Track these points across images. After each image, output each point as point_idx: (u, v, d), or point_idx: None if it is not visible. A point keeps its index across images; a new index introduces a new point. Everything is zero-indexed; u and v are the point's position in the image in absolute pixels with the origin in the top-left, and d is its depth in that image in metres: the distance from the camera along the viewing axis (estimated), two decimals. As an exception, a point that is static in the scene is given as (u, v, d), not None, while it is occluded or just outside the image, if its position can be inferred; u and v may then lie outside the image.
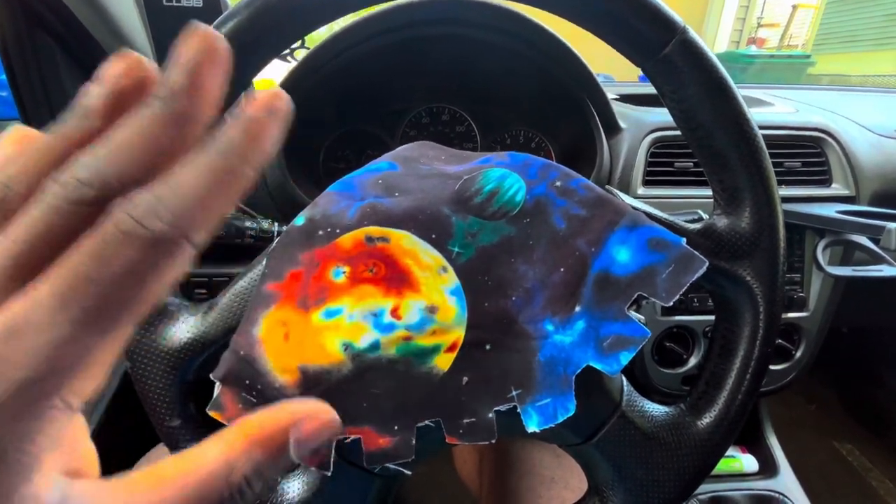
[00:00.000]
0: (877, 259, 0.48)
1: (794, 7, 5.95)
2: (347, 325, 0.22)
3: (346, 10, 0.29)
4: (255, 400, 0.23)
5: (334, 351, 0.22)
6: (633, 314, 0.32)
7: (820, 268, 0.49)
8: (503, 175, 0.26)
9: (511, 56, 0.53)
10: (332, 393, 0.22)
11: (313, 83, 0.50)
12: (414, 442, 0.22)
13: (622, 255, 0.24)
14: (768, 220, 0.29)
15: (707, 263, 0.24)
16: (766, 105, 0.66)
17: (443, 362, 0.23)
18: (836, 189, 0.57)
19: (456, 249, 0.24)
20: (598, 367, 0.22)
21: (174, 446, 0.28)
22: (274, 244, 0.25)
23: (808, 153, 0.58)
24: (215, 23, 0.26)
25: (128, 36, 0.45)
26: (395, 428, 0.22)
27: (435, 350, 0.23)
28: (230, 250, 0.47)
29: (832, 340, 0.61)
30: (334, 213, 0.24)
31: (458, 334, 0.23)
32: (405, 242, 0.24)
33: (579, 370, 0.22)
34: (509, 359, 0.23)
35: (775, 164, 0.56)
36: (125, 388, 0.53)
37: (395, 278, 0.23)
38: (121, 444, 0.49)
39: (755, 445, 0.71)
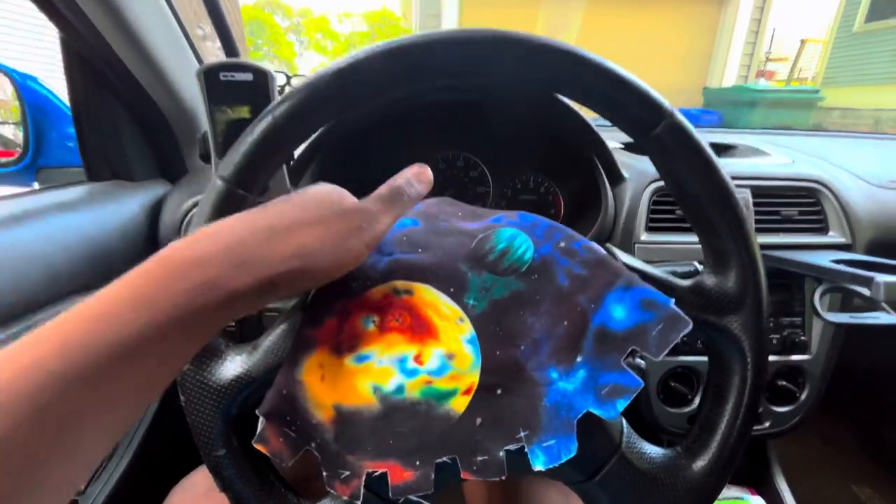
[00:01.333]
0: (873, 306, 0.50)
1: (803, 42, 6.05)
2: (377, 369, 0.25)
3: (380, 95, 0.33)
4: (294, 434, 0.26)
5: (365, 392, 0.25)
6: (637, 360, 0.35)
7: (817, 314, 0.52)
8: (513, 235, 0.29)
9: (521, 112, 0.58)
10: (363, 430, 0.25)
11: (341, 136, 0.56)
12: (433, 476, 0.24)
13: (618, 313, 0.26)
14: (752, 279, 0.32)
15: (691, 324, 0.27)
16: (763, 155, 0.70)
17: (459, 404, 0.25)
18: (833, 237, 0.60)
19: (471, 302, 0.27)
20: (596, 412, 0.25)
21: (218, 474, 0.31)
22: (312, 293, 0.28)
23: (804, 202, 0.61)
24: (274, 102, 0.30)
25: (186, 101, 0.51)
26: (417, 463, 0.24)
27: (452, 393, 0.25)
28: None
29: (846, 380, 0.62)
30: (365, 266, 0.27)
31: (473, 379, 0.25)
32: (427, 295, 0.27)
33: (580, 415, 0.25)
34: (518, 403, 0.25)
35: (772, 213, 0.60)
36: (162, 417, 0.56)
37: (419, 327, 0.26)
38: (159, 467, 0.52)
39: (764, 487, 0.71)
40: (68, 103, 0.54)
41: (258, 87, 0.43)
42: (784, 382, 0.61)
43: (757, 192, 0.60)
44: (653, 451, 0.32)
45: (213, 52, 0.65)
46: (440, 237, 0.30)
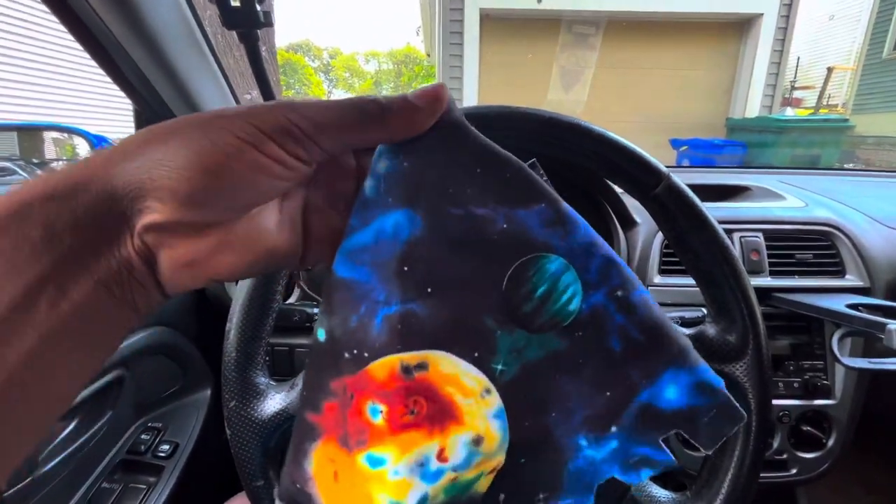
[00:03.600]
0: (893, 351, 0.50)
1: (830, 69, 5.98)
2: (392, 482, 0.20)
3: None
4: None
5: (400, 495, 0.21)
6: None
7: (836, 359, 0.52)
8: (558, 270, 0.22)
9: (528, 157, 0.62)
10: None
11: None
12: None
13: (671, 392, 0.23)
14: (753, 329, 0.34)
15: (745, 418, 0.24)
16: (777, 198, 0.71)
17: (483, 486, 0.22)
18: (851, 280, 0.60)
19: (500, 367, 0.22)
20: (619, 478, 0.23)
21: (256, 502, 0.34)
22: (306, 365, 0.23)
23: (818, 245, 0.62)
24: None
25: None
26: None
27: (477, 479, 0.22)
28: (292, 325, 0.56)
29: (887, 425, 0.60)
30: (354, 326, 0.21)
31: (501, 459, 0.22)
32: (445, 367, 0.21)
33: (603, 480, 0.23)
34: (541, 470, 0.23)
35: (787, 256, 0.61)
36: (205, 448, 0.60)
37: (438, 414, 0.21)
38: (201, 495, 0.55)
39: (796, 538, 0.68)
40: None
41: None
42: (808, 428, 0.60)
43: (770, 235, 0.62)
44: (661, 494, 0.34)
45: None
46: (457, 256, 0.21)
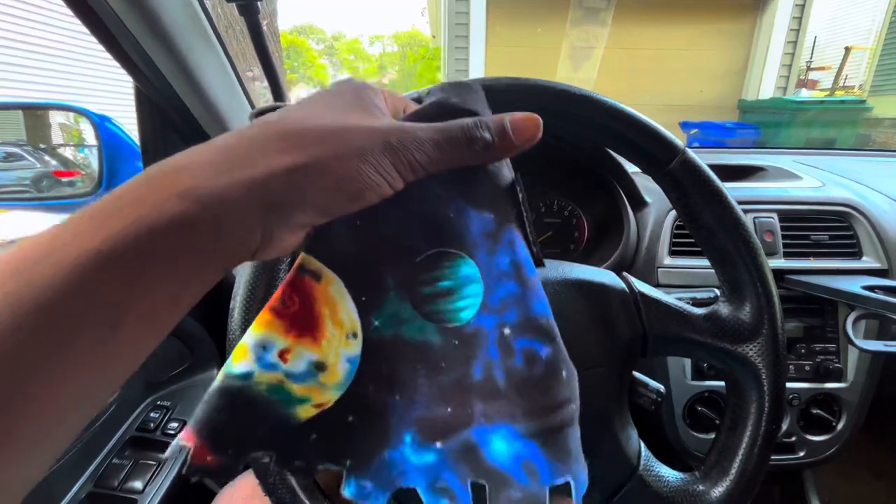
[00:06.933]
0: (910, 334, 0.49)
1: (847, 49, 5.79)
2: (239, 345, 0.21)
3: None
4: None
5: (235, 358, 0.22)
6: (656, 384, 0.36)
7: (850, 341, 0.51)
8: (470, 277, 0.23)
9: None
10: (202, 401, 0.21)
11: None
12: (240, 469, 0.21)
13: (499, 447, 0.22)
14: (767, 308, 0.33)
15: None
16: (793, 178, 0.69)
17: (304, 413, 0.22)
18: (867, 262, 0.59)
19: (376, 323, 0.23)
20: (421, 495, 0.22)
21: (263, 479, 0.34)
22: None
23: (835, 226, 0.60)
24: None
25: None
26: (230, 451, 0.21)
27: (303, 401, 0.22)
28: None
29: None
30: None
31: (331, 398, 0.22)
32: (332, 290, 0.22)
33: (406, 486, 0.22)
34: (360, 440, 0.23)
35: (802, 237, 0.60)
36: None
37: (302, 321, 0.22)
38: None
39: (802, 520, 0.68)
40: (138, 141, 0.61)
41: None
42: (818, 411, 0.60)
43: (785, 216, 0.60)
44: (670, 474, 0.33)
45: (260, 91, 0.71)
46: (398, 210, 0.22)
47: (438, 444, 0.22)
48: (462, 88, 0.25)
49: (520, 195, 0.24)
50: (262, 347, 0.21)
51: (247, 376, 0.21)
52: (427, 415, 0.23)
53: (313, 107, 0.20)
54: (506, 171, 0.24)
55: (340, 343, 0.22)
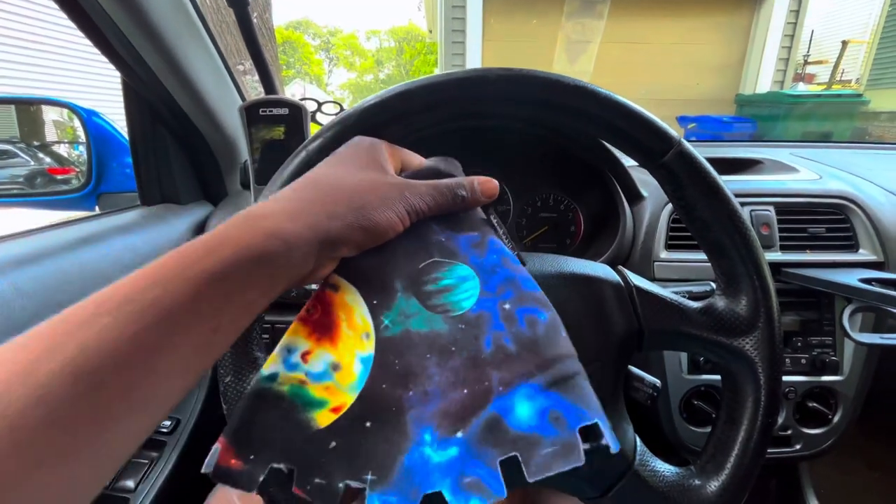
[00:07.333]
0: (906, 327, 0.49)
1: (844, 43, 5.78)
2: (273, 354, 0.24)
3: (405, 128, 0.36)
4: None
5: (266, 363, 0.24)
6: (651, 379, 0.35)
7: (846, 334, 0.51)
8: (465, 277, 0.27)
9: (536, 133, 0.60)
10: (237, 407, 0.23)
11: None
12: (261, 479, 0.21)
13: (522, 410, 0.23)
14: (764, 303, 0.32)
15: (583, 461, 0.21)
16: (790, 171, 0.69)
17: (322, 419, 0.23)
18: (864, 255, 0.58)
19: (386, 322, 0.25)
20: (447, 497, 0.21)
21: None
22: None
23: (832, 219, 0.60)
24: (309, 138, 0.34)
25: (228, 132, 0.56)
26: (251, 457, 0.21)
27: (321, 404, 0.23)
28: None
29: (891, 402, 0.60)
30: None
31: (347, 400, 0.23)
32: (348, 297, 0.26)
33: (430, 492, 0.21)
34: (380, 447, 0.22)
35: (799, 230, 0.59)
36: (206, 423, 0.61)
37: (322, 326, 0.25)
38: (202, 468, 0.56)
39: (797, 512, 0.69)
40: (126, 135, 0.60)
41: (293, 118, 0.48)
42: (814, 404, 0.59)
43: (781, 209, 0.60)
44: (666, 469, 0.33)
45: (252, 85, 0.70)
46: (409, 238, 0.28)
47: (460, 434, 0.23)
48: (447, 161, 0.32)
49: (494, 221, 0.30)
50: (288, 350, 0.24)
51: (273, 377, 0.23)
52: (444, 405, 0.23)
53: (340, 166, 0.27)
54: (479, 211, 0.31)
55: (355, 344, 0.25)
